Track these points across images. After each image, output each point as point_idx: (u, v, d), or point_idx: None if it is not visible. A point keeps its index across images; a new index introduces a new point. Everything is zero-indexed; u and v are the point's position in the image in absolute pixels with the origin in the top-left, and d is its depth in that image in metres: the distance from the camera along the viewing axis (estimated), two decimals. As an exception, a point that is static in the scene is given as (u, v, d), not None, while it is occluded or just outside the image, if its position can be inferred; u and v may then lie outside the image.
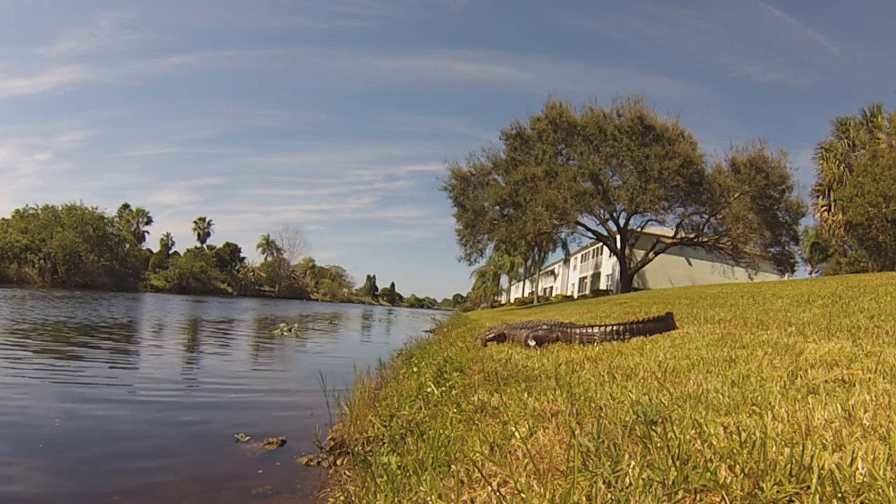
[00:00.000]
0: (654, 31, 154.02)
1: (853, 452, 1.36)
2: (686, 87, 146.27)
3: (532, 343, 5.34)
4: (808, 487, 1.21)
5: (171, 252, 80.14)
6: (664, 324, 5.33)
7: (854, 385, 2.23)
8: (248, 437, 4.24)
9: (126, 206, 79.78)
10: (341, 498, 2.79)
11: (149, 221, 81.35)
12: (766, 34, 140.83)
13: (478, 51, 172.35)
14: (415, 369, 5.10)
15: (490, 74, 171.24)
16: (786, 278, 27.41)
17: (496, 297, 76.49)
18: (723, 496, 1.25)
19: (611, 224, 28.50)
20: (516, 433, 2.04)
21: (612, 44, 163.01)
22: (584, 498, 1.39)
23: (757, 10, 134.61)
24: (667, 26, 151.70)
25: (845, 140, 27.19)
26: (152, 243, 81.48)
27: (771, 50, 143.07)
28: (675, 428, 1.76)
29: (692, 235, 28.28)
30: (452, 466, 1.96)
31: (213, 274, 76.82)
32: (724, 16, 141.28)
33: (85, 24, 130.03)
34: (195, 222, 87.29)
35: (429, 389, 3.81)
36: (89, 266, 53.71)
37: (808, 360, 2.94)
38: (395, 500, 1.95)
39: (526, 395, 2.79)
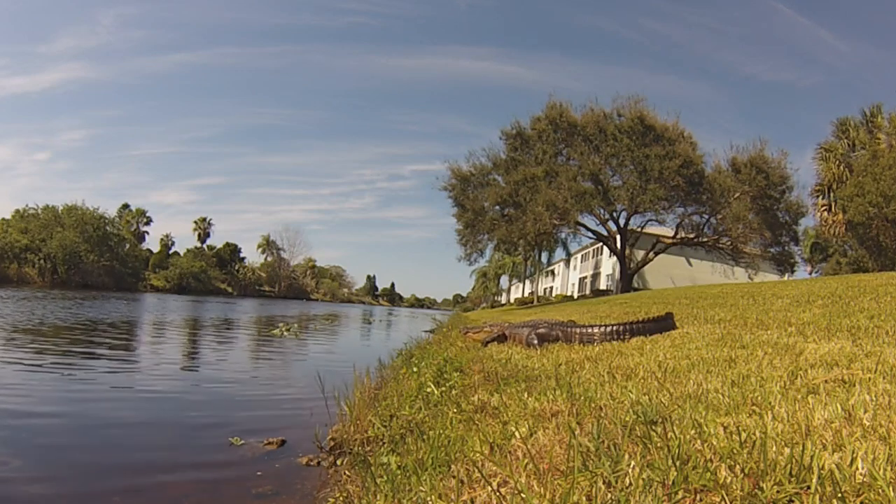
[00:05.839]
0: (663, 29, 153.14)
1: (853, 452, 1.36)
2: (694, 86, 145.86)
3: (535, 341, 5.35)
4: (808, 487, 1.21)
5: (171, 252, 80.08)
6: (664, 324, 5.33)
7: (854, 385, 2.23)
8: (247, 438, 4.23)
9: (126, 206, 79.90)
10: (341, 498, 2.79)
11: (149, 221, 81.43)
12: (775, 33, 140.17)
13: (484, 48, 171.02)
14: (415, 369, 5.10)
15: (496, 73, 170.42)
16: (786, 278, 27.41)
17: (496, 297, 76.51)
18: (723, 496, 1.25)
19: (611, 224, 28.52)
20: (516, 433, 2.04)
21: (621, 42, 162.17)
22: (584, 498, 1.39)
23: (768, 9, 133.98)
24: (676, 25, 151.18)
25: (845, 140, 27.18)
26: (152, 243, 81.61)
27: (779, 49, 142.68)
28: (675, 428, 1.76)
29: (692, 235, 28.29)
30: (452, 466, 1.96)
31: (213, 274, 76.82)
32: (735, 14, 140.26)
33: (86, 21, 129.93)
34: (195, 222, 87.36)
35: (429, 389, 3.81)
36: (89, 266, 53.71)
37: (808, 360, 2.93)
38: (395, 500, 1.94)
39: (526, 395, 2.79)
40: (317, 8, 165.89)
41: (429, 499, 1.69)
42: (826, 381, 2.35)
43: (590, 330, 5.22)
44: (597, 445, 1.64)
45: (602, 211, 27.53)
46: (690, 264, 37.62)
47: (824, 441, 1.56)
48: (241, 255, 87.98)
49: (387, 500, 2.00)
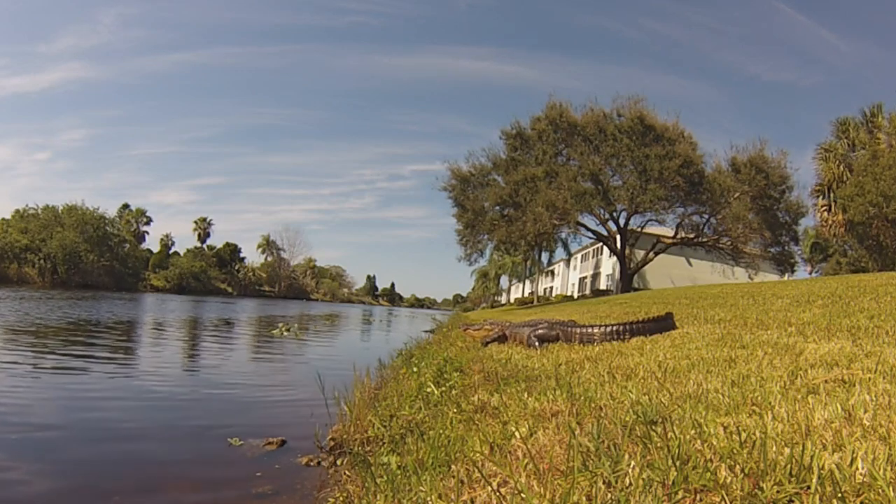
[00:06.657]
0: (663, 29, 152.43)
1: (853, 452, 1.36)
2: (694, 86, 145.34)
3: (535, 341, 5.35)
4: (808, 487, 1.21)
5: (171, 252, 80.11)
6: (664, 324, 5.33)
7: (854, 385, 2.23)
8: (247, 438, 4.23)
9: (126, 206, 79.96)
10: (341, 498, 2.79)
11: (149, 221, 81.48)
12: (775, 33, 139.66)
13: (484, 48, 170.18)
14: (415, 369, 5.10)
15: (496, 73, 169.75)
16: (786, 278, 27.42)
17: (496, 297, 76.50)
18: (723, 496, 1.25)
19: (611, 224, 28.53)
20: (516, 433, 2.04)
21: (621, 42, 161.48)
22: (584, 498, 1.39)
23: (768, 9, 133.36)
24: (676, 24, 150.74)
25: (845, 140, 27.19)
26: (152, 243, 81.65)
27: (780, 49, 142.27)
28: (675, 428, 1.76)
29: (692, 235, 28.30)
30: (452, 466, 1.96)
31: (213, 274, 76.84)
32: (735, 14, 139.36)
33: (87, 21, 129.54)
34: (195, 222, 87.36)
35: (429, 389, 3.82)
36: (89, 266, 53.73)
37: (808, 360, 2.93)
38: (395, 500, 1.94)
39: (526, 395, 2.79)
40: (317, 8, 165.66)
41: (429, 499, 1.69)
42: (826, 381, 2.35)
43: (590, 330, 5.22)
44: (597, 445, 1.64)
45: (602, 211, 27.54)
46: (690, 264, 37.62)
47: (824, 441, 1.56)
48: (241, 255, 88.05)
49: (387, 500, 2.00)
